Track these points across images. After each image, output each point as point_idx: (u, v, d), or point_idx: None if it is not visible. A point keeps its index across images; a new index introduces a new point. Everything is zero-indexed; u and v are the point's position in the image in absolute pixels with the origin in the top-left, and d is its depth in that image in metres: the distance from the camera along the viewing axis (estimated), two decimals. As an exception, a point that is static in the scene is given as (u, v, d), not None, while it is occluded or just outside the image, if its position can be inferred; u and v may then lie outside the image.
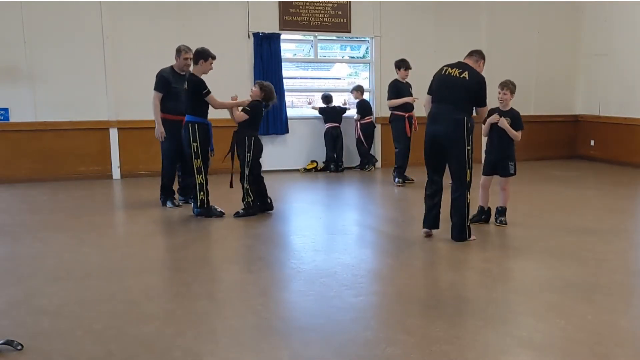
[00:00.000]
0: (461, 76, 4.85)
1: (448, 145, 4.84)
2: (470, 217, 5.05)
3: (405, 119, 7.82)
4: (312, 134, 9.43)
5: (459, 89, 4.84)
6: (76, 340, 3.06)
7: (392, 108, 7.93)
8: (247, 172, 5.84)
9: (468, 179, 4.85)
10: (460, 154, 4.81)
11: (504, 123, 5.29)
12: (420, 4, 9.71)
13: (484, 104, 5.00)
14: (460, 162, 4.82)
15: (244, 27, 8.92)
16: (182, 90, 6.11)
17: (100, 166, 8.52)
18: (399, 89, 7.86)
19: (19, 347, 2.91)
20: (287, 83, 9.49)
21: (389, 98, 7.92)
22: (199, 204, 5.89)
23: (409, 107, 7.85)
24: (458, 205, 4.92)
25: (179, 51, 6.32)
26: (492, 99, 5.61)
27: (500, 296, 3.73)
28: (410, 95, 7.90)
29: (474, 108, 5.02)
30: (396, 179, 7.98)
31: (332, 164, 9.22)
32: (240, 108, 5.92)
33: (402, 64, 7.89)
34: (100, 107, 8.40)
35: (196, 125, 5.75)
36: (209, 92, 5.75)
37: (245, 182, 5.86)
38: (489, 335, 3.12)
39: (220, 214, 5.94)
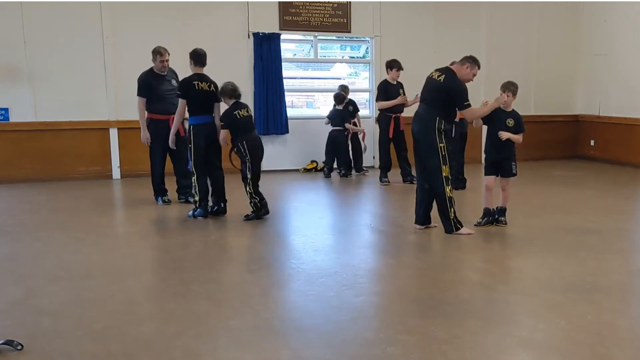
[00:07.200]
0: (438, 78, 5.14)
1: (421, 142, 5.14)
2: (456, 214, 5.16)
3: (392, 119, 7.82)
4: (312, 134, 9.40)
5: (434, 90, 5.15)
6: (76, 340, 3.06)
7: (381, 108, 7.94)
8: (248, 175, 5.81)
9: (445, 174, 5.07)
10: (432, 150, 5.06)
11: (505, 135, 5.28)
12: (420, 4, 9.71)
13: (462, 107, 5.14)
14: (433, 159, 5.07)
15: (244, 27, 8.91)
16: (164, 90, 6.30)
17: (100, 166, 8.53)
18: (387, 90, 7.84)
19: (19, 347, 2.91)
20: (287, 83, 9.47)
21: (378, 99, 7.93)
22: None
23: (397, 108, 7.83)
24: (438, 199, 5.17)
25: (155, 53, 6.40)
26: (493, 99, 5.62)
27: (500, 296, 3.73)
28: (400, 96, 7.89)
29: (454, 110, 5.25)
30: (382, 179, 8.01)
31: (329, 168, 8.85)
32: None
33: (394, 65, 7.85)
34: (100, 107, 8.39)
35: None
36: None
37: (247, 186, 5.83)
38: (489, 335, 3.12)
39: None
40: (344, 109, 8.76)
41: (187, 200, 6.57)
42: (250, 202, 5.85)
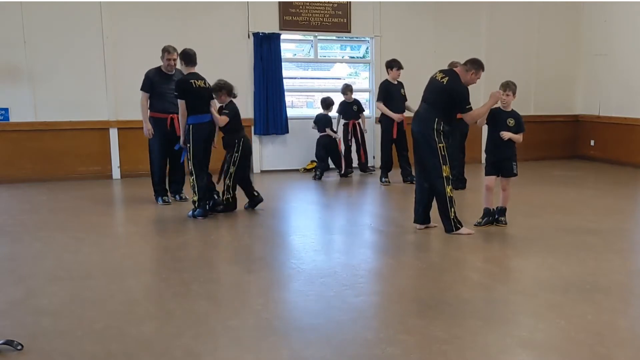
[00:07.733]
0: (441, 80, 5.17)
1: (420, 142, 5.17)
2: (456, 214, 5.17)
3: (395, 120, 7.82)
4: (312, 134, 9.38)
5: (436, 91, 5.18)
6: (76, 340, 3.06)
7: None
8: (232, 169, 5.93)
9: (445, 174, 5.09)
10: (431, 150, 5.08)
11: (507, 135, 5.28)
12: (420, 4, 9.70)
13: (465, 110, 5.19)
14: (433, 159, 5.09)
15: (244, 27, 8.91)
16: (167, 89, 6.30)
17: (100, 166, 8.52)
18: (389, 90, 7.85)
19: (19, 347, 2.91)
20: (287, 83, 9.46)
21: (379, 99, 7.94)
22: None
23: (399, 109, 7.83)
24: (438, 199, 5.19)
25: (163, 51, 6.42)
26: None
27: (500, 296, 3.73)
28: (401, 95, 7.88)
29: (454, 112, 5.25)
30: (382, 179, 8.03)
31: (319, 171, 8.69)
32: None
33: (394, 64, 7.85)
34: (100, 107, 8.39)
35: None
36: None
37: (227, 178, 5.96)
38: (489, 335, 3.12)
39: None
40: (341, 110, 8.73)
41: (181, 198, 6.77)
42: (224, 196, 6.02)
